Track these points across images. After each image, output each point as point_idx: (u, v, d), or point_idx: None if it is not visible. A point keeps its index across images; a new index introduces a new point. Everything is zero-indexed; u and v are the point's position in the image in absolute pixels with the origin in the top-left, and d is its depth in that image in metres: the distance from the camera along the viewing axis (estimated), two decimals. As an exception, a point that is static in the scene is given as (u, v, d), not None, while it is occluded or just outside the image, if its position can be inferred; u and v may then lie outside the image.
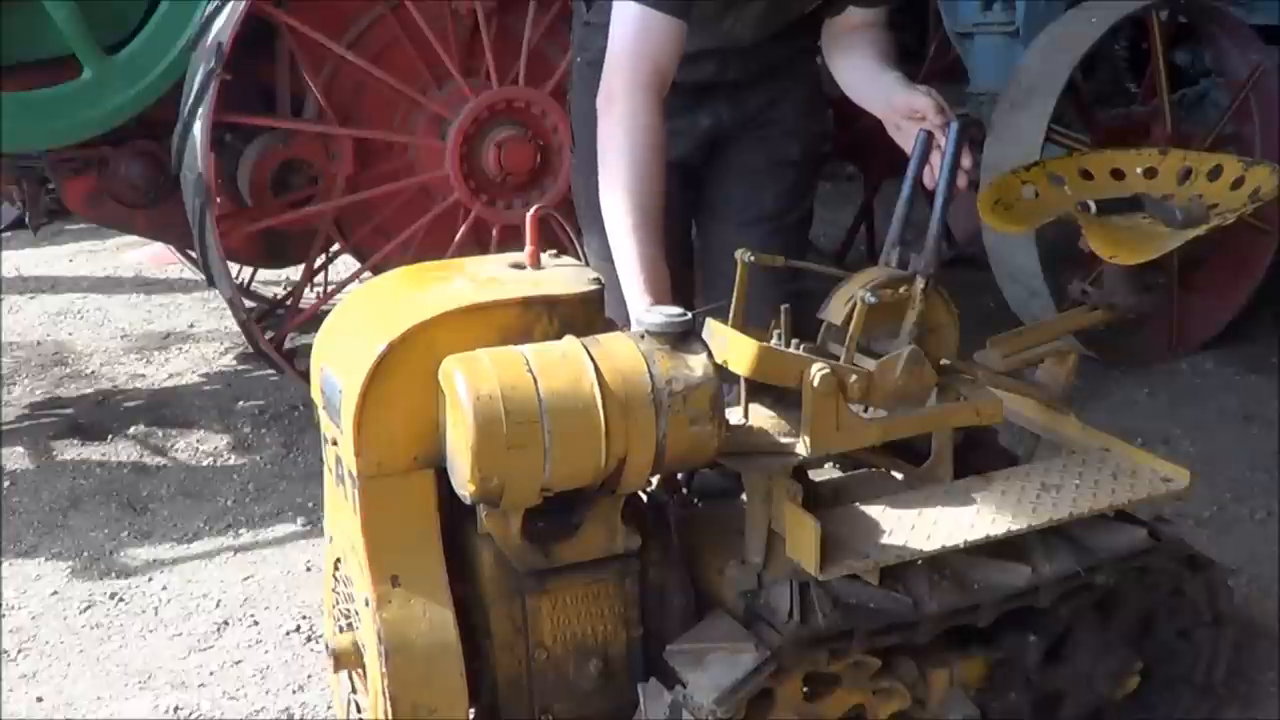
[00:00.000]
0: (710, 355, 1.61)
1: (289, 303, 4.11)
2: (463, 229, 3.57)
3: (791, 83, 2.50)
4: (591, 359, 1.54)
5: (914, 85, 2.08)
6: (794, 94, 2.51)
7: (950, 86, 4.56)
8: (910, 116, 2.07)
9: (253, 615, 2.68)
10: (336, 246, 3.97)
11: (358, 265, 3.83)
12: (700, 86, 2.39)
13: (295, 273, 4.27)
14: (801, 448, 1.72)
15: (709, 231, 2.57)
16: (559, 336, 1.61)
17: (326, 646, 1.76)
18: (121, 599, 2.77)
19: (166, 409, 3.91)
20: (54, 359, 4.48)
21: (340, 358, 1.67)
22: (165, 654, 2.55)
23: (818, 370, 1.68)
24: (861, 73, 2.23)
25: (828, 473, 2.00)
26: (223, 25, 3.25)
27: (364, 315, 1.72)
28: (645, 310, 1.66)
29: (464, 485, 1.52)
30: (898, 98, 2.09)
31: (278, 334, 3.60)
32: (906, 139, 2.09)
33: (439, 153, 3.56)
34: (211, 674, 2.48)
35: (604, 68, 2.11)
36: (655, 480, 1.77)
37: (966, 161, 1.96)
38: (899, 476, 1.95)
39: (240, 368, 4.31)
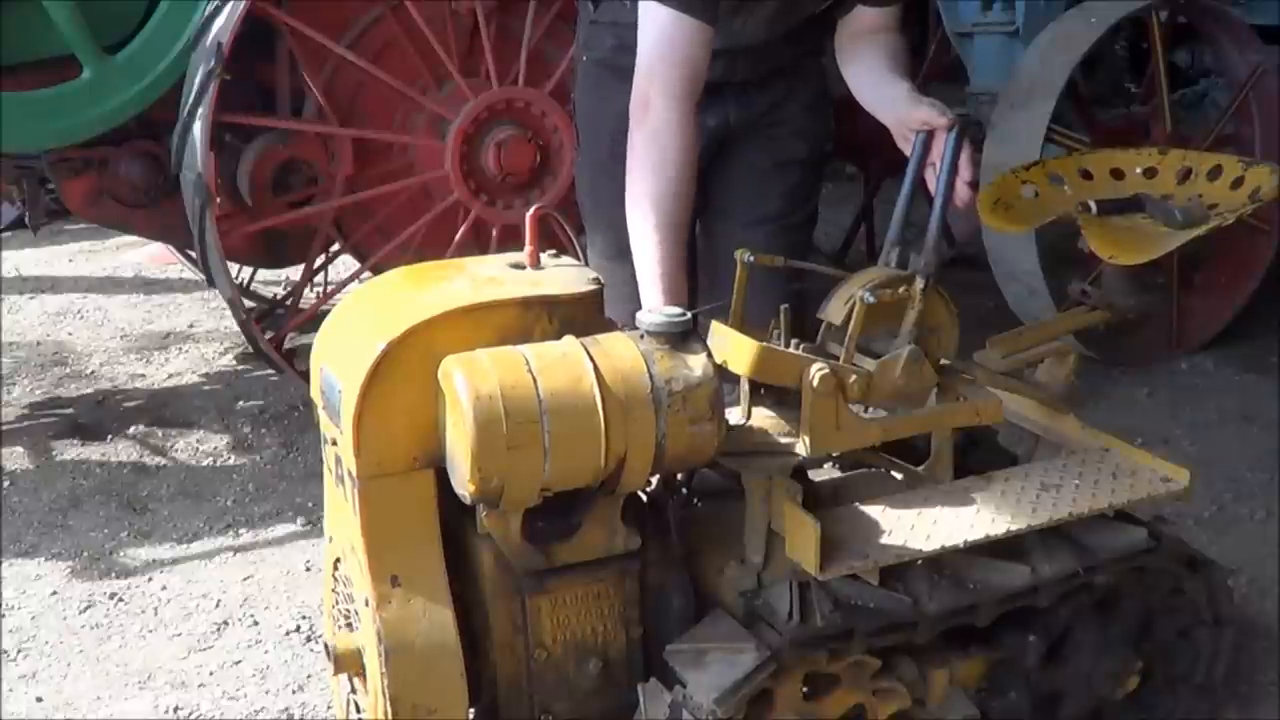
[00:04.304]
0: (710, 355, 1.61)
1: (289, 303, 4.11)
2: (463, 229, 3.57)
3: (798, 83, 2.50)
4: (591, 359, 1.54)
5: (923, 99, 2.07)
6: (801, 94, 2.51)
7: (950, 86, 4.57)
8: (920, 130, 2.06)
9: (252, 615, 2.68)
10: (336, 246, 3.97)
11: (358, 265, 3.83)
12: (708, 86, 2.39)
13: (295, 273, 4.27)
14: (801, 448, 1.72)
15: (714, 231, 2.57)
16: (559, 336, 1.61)
17: (326, 647, 1.76)
18: (121, 599, 2.77)
19: (166, 409, 3.91)
20: (54, 359, 4.48)
21: (340, 358, 1.67)
22: (165, 654, 2.55)
23: (817, 370, 1.68)
24: (873, 80, 2.22)
25: (828, 473, 2.00)
26: (223, 25, 3.25)
27: (364, 315, 1.72)
28: (647, 312, 1.66)
29: (464, 485, 1.52)
30: (907, 112, 2.08)
31: (278, 334, 3.60)
32: None
33: (439, 153, 3.56)
34: (211, 674, 2.48)
35: (636, 74, 2.10)
36: (655, 480, 1.77)
37: (966, 173, 1.95)
38: (899, 476, 1.95)
39: (240, 368, 4.31)
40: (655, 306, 1.90)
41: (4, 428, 3.76)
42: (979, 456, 2.02)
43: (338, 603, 1.82)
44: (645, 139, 2.05)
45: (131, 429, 3.73)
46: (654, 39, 2.09)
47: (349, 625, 1.76)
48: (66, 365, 4.41)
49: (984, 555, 1.78)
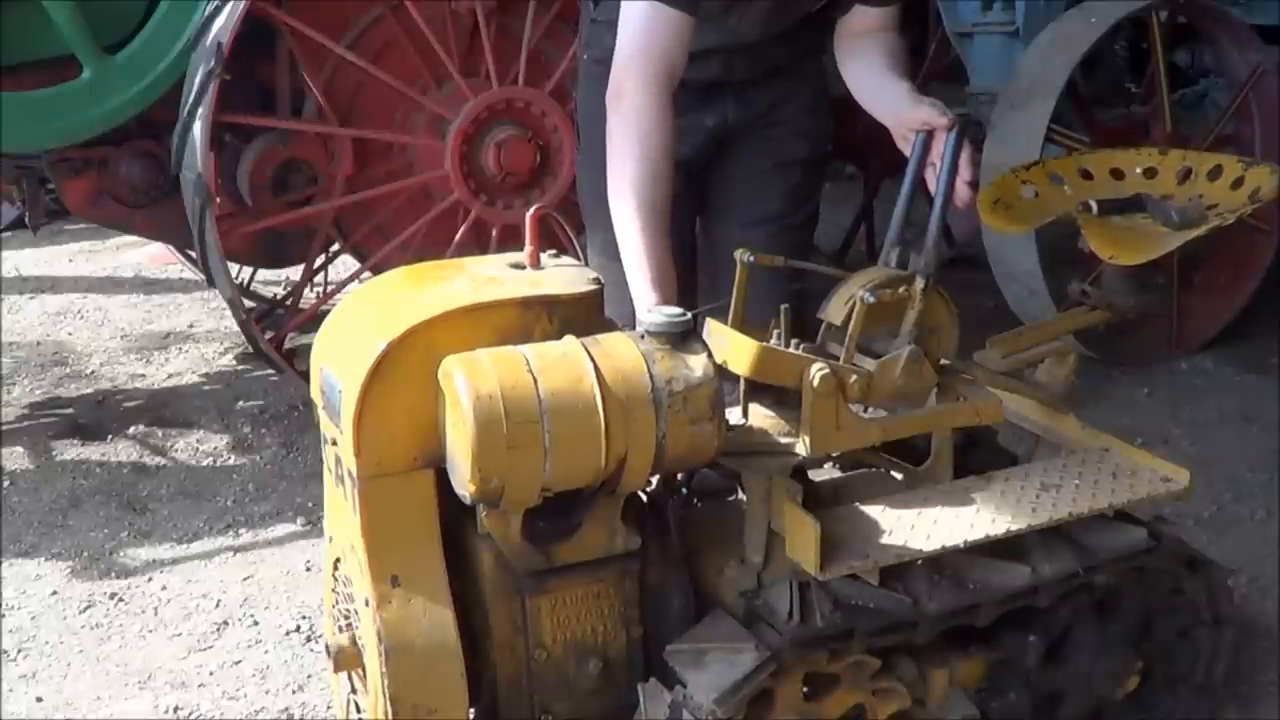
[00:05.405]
0: (710, 355, 1.61)
1: (289, 303, 4.11)
2: (463, 229, 3.57)
3: (798, 83, 2.50)
4: (591, 359, 1.54)
5: (922, 98, 2.07)
6: (800, 94, 2.51)
7: (950, 86, 4.57)
8: (919, 130, 2.05)
9: (252, 615, 2.68)
10: (336, 246, 3.97)
11: (358, 265, 3.83)
12: (706, 85, 2.38)
13: (295, 273, 4.27)
14: (801, 448, 1.72)
15: (714, 231, 2.57)
16: (559, 336, 1.61)
17: (326, 647, 1.76)
18: (121, 599, 2.77)
19: (166, 409, 3.91)
20: (54, 359, 4.48)
21: (340, 358, 1.67)
22: (165, 654, 2.55)
23: (817, 370, 1.68)
24: (871, 80, 2.22)
25: (828, 473, 2.00)
26: (223, 25, 3.25)
27: (364, 315, 1.72)
28: (649, 309, 1.66)
29: (464, 485, 1.52)
30: (907, 112, 2.08)
31: (278, 334, 3.60)
32: None
33: (439, 153, 3.56)
34: (211, 674, 2.48)
35: (613, 64, 2.11)
36: (655, 480, 1.77)
37: (966, 173, 1.95)
38: (899, 476, 1.95)
39: (240, 368, 4.31)
40: (650, 301, 1.91)
41: (4, 428, 3.76)
42: (979, 456, 2.02)
43: (338, 603, 1.82)
44: (621, 126, 2.06)
45: (131, 429, 3.73)
46: (633, 29, 2.10)
47: (349, 625, 1.76)
48: (66, 365, 4.41)
49: (984, 555, 1.78)
